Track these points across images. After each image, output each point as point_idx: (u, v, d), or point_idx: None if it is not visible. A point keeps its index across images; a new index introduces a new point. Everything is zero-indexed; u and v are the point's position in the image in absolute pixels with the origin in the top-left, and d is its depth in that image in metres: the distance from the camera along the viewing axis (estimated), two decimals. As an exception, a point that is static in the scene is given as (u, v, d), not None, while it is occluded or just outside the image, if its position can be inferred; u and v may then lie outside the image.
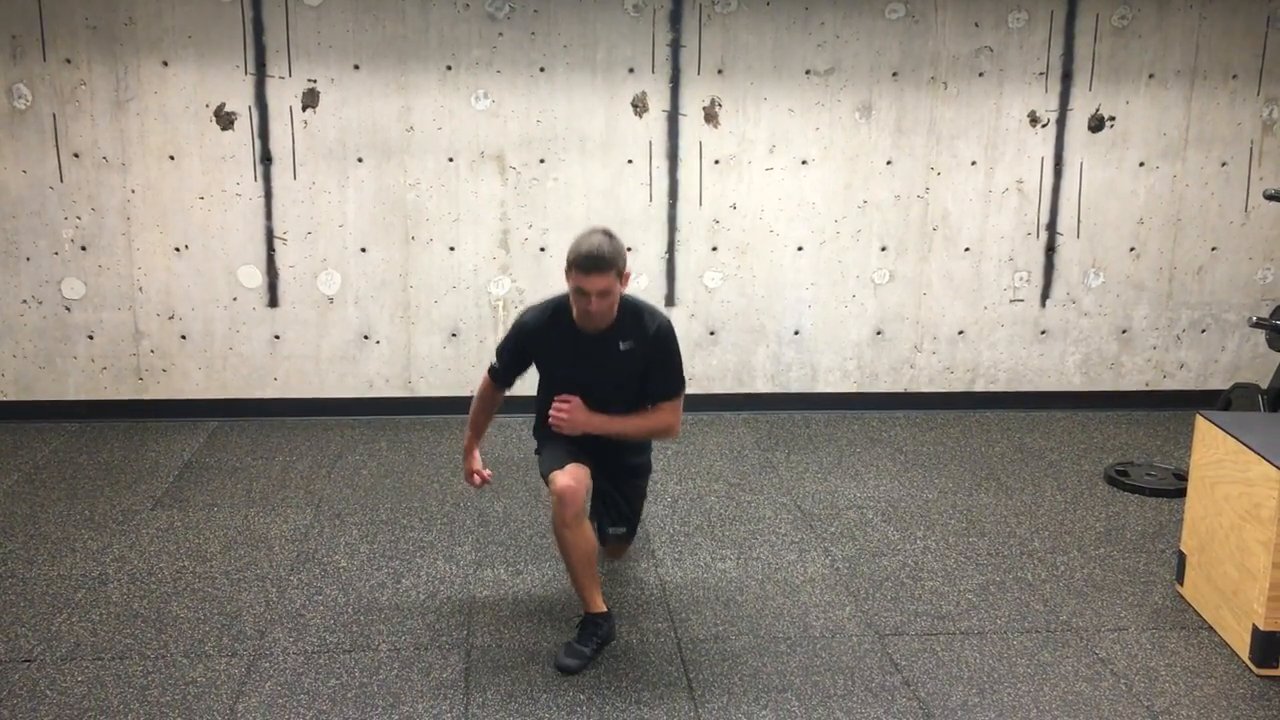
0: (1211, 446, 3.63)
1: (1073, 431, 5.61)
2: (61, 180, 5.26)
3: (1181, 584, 3.83)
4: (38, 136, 5.20)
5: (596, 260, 3.23)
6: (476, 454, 3.76)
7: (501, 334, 5.51)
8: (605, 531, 3.77)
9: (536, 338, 3.53)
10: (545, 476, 3.46)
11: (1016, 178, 5.69)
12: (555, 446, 3.51)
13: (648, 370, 3.49)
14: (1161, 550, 4.21)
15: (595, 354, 3.45)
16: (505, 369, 3.61)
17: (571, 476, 3.34)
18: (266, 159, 5.33)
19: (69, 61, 5.14)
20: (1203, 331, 5.96)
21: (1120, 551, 4.21)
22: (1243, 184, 5.80)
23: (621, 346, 3.44)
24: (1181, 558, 3.82)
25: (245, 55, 5.22)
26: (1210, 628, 3.61)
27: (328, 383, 5.59)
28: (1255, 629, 3.33)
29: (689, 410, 5.72)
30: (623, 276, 3.34)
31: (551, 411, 3.45)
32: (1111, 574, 4.01)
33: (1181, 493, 4.65)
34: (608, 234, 3.32)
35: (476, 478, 3.73)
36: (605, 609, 3.41)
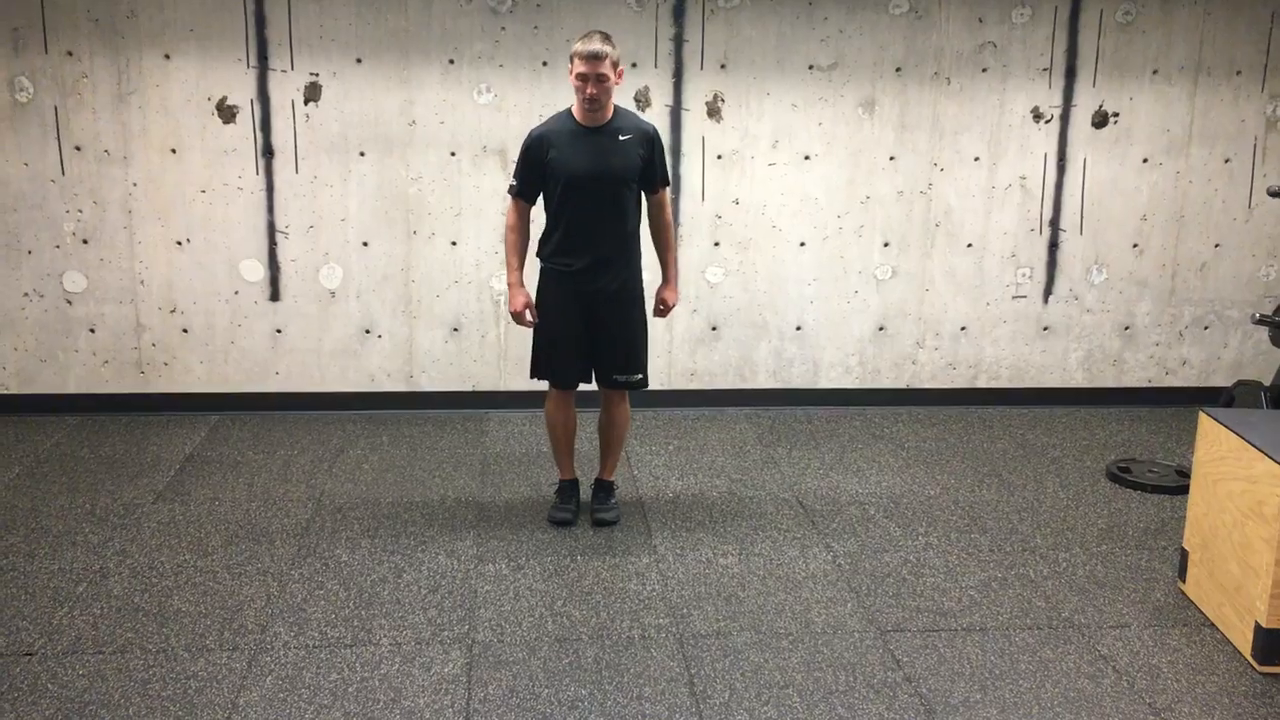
0: (1214, 443, 3.63)
1: (1075, 428, 5.61)
2: (63, 173, 5.25)
3: (1184, 581, 3.83)
4: (39, 129, 5.19)
5: (594, 48, 3.82)
6: (525, 288, 4.16)
7: (504, 327, 5.52)
8: (615, 381, 4.21)
9: (546, 140, 4.00)
10: (543, 369, 4.19)
11: (1020, 174, 5.68)
12: (552, 335, 4.13)
13: (650, 157, 4.05)
14: (1164, 547, 4.21)
15: (600, 144, 3.98)
16: (524, 183, 4.09)
17: (566, 396, 4.21)
18: (268, 152, 5.32)
19: (71, 54, 5.14)
20: (1205, 328, 5.95)
21: (1122, 548, 4.20)
22: (1246, 181, 5.78)
23: (621, 137, 3.99)
24: (1184, 555, 3.82)
25: (247, 48, 5.21)
26: (1212, 625, 3.61)
27: (329, 377, 5.59)
28: (1258, 626, 3.33)
29: (690, 405, 5.74)
30: (618, 71, 3.91)
31: (658, 306, 4.28)
32: (1114, 571, 4.01)
33: (1184, 490, 4.64)
34: (605, 35, 3.90)
35: (529, 314, 4.13)
36: (575, 476, 4.40)
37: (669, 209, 4.24)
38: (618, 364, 4.20)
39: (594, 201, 4.01)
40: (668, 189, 4.21)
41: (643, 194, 4.16)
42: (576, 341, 4.16)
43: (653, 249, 4.31)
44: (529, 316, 4.13)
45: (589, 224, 4.03)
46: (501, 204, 5.45)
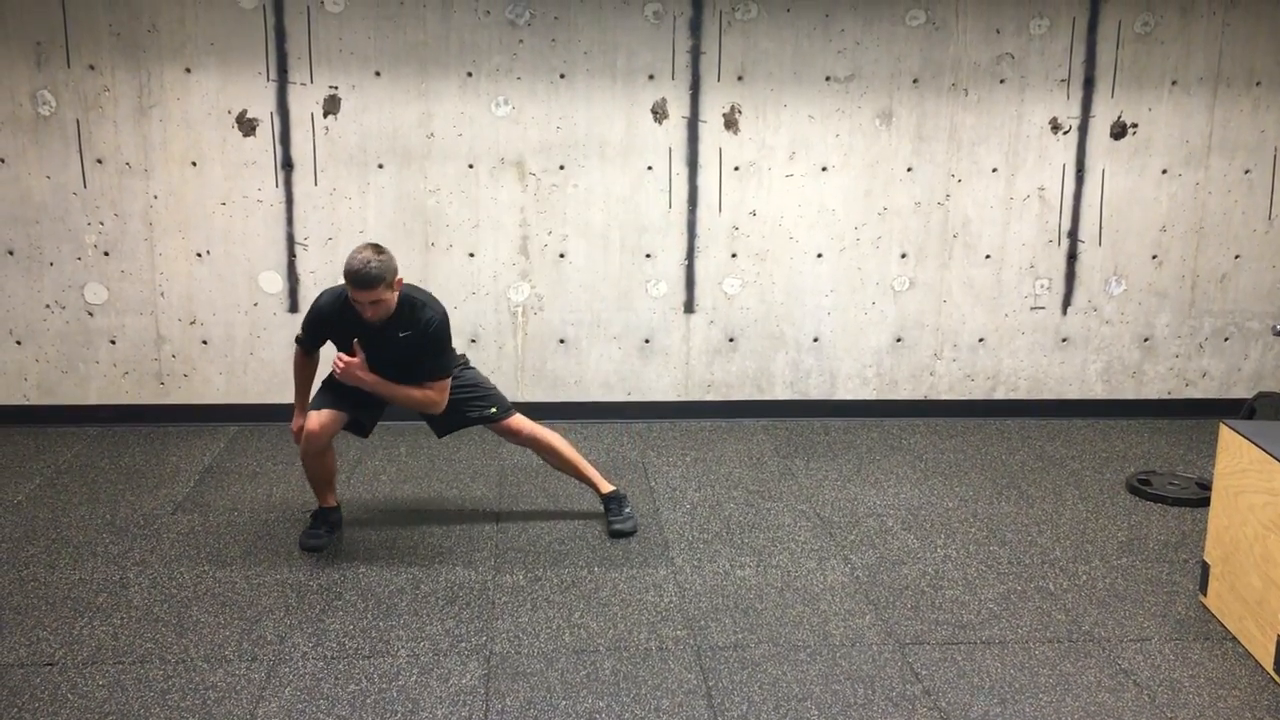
0: (1235, 455, 3.60)
1: (1094, 440, 5.58)
2: (85, 186, 5.29)
3: (1205, 594, 3.80)
4: (61, 142, 5.24)
5: (364, 278, 3.75)
6: (305, 413, 4.21)
7: (521, 340, 5.53)
8: (474, 420, 4.30)
9: (329, 319, 4.05)
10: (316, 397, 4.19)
11: (1038, 185, 5.66)
12: (326, 394, 4.14)
13: (421, 354, 4.01)
14: (1184, 560, 4.18)
15: (377, 339, 3.97)
16: (309, 339, 4.18)
17: (318, 422, 4.04)
18: (288, 165, 5.36)
19: (93, 68, 5.18)
20: (1226, 340, 5.92)
21: (1143, 561, 4.18)
22: (1266, 191, 5.76)
23: (400, 335, 3.97)
24: (1205, 568, 3.79)
25: (267, 62, 5.24)
26: (1234, 638, 3.58)
27: (347, 388, 5.60)
28: (1280, 640, 3.31)
29: (706, 417, 5.74)
30: (393, 285, 3.86)
31: (335, 360, 3.99)
32: (1134, 584, 3.98)
33: (1205, 502, 4.62)
34: (377, 249, 3.81)
35: (300, 434, 4.16)
36: (336, 504, 4.31)
37: (434, 394, 4.07)
38: (468, 411, 4.27)
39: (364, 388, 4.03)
40: (442, 381, 4.08)
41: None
42: (352, 405, 4.16)
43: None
44: (299, 433, 4.20)
45: (364, 400, 4.13)
46: (518, 215, 5.46)
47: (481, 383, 4.37)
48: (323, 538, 4.21)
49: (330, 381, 4.15)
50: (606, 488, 4.44)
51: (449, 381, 4.14)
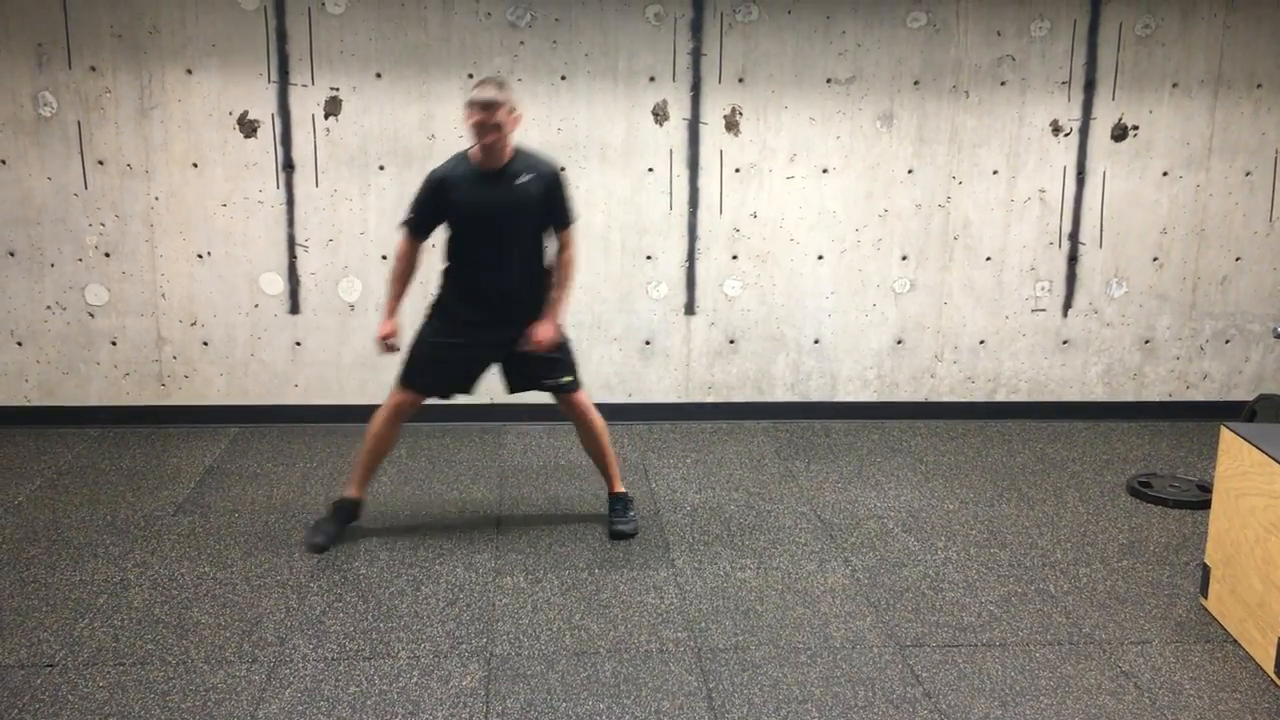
0: (1236, 458, 3.60)
1: (1095, 442, 5.58)
2: (86, 187, 5.30)
3: (1206, 597, 3.80)
4: (63, 144, 5.24)
5: (488, 95, 3.89)
6: (397, 318, 4.20)
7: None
8: (545, 385, 4.26)
9: (445, 182, 4.05)
10: (404, 380, 4.21)
11: (1039, 187, 5.67)
12: (437, 350, 4.18)
13: (549, 200, 4.08)
14: (1185, 563, 4.18)
15: (498, 187, 4.02)
16: (421, 218, 4.13)
17: (413, 404, 4.20)
18: (289, 166, 5.36)
19: (94, 69, 5.19)
20: (1226, 342, 5.92)
21: (1143, 564, 4.18)
22: (1267, 194, 5.76)
23: (519, 180, 4.03)
24: (1206, 570, 3.79)
25: (268, 63, 5.25)
26: (1235, 641, 3.58)
27: (348, 389, 5.61)
28: (1281, 643, 3.31)
29: (707, 419, 5.74)
30: (512, 116, 3.97)
31: (532, 338, 4.13)
32: (1135, 586, 3.98)
33: (1205, 504, 4.62)
34: (499, 81, 3.97)
35: (389, 342, 4.19)
36: (360, 495, 4.33)
37: (571, 249, 4.20)
38: (543, 370, 4.23)
39: (495, 244, 4.06)
40: (571, 228, 4.19)
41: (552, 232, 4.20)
42: (460, 362, 4.22)
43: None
44: (393, 342, 4.20)
45: (490, 265, 4.09)
46: (520, 217, 5.46)
47: (571, 347, 4.33)
48: (330, 537, 4.20)
49: (432, 354, 4.18)
50: (619, 487, 4.45)
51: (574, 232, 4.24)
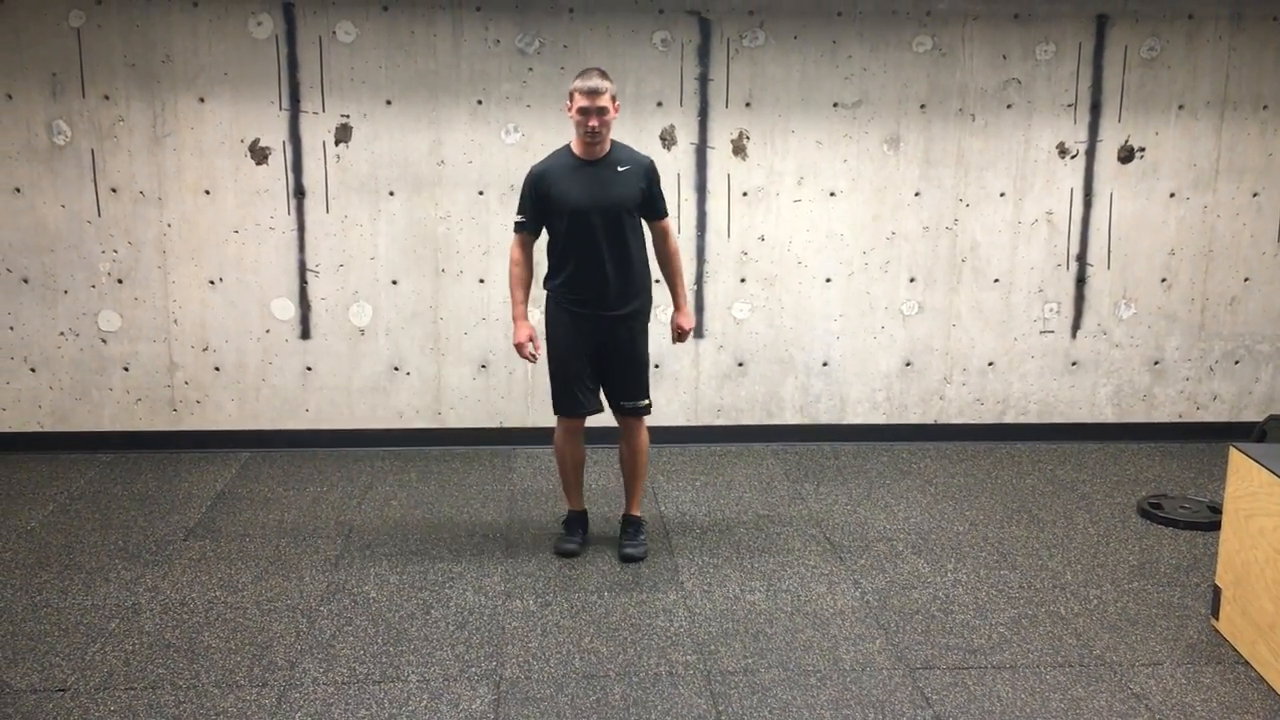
0: (1246, 479, 3.60)
1: (1105, 464, 5.57)
2: (99, 214, 5.35)
3: (1217, 618, 3.79)
4: (76, 171, 5.30)
5: (595, 86, 4.00)
6: (528, 321, 4.28)
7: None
8: (623, 408, 4.31)
9: (546, 176, 4.15)
10: (556, 409, 4.30)
11: (1046, 209, 5.68)
12: (565, 368, 4.23)
13: (649, 190, 4.20)
14: (1196, 584, 4.17)
15: (599, 176, 4.13)
16: (531, 216, 4.22)
17: (576, 426, 4.31)
18: (300, 193, 5.40)
19: (107, 98, 5.24)
20: (1236, 363, 5.91)
21: (1154, 585, 4.16)
22: (1275, 214, 5.76)
23: (620, 169, 4.15)
24: (1216, 592, 3.78)
25: (280, 91, 5.30)
26: (1246, 663, 3.57)
27: (358, 414, 5.63)
28: (1293, 664, 3.29)
29: (716, 441, 5.74)
30: (615, 103, 4.09)
31: (674, 333, 4.40)
32: (1145, 608, 3.97)
33: (1216, 526, 4.60)
34: (603, 71, 4.08)
35: (532, 346, 4.24)
36: (584, 508, 4.50)
37: (673, 237, 4.36)
38: (626, 391, 4.30)
39: (597, 233, 4.12)
40: (668, 218, 4.34)
41: (646, 224, 4.30)
42: (589, 372, 4.26)
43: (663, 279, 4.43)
44: (530, 349, 4.24)
45: (594, 255, 4.14)
46: (529, 242, 5.49)
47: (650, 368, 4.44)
48: (579, 542, 4.39)
49: (558, 361, 4.24)
50: (636, 510, 4.46)
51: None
